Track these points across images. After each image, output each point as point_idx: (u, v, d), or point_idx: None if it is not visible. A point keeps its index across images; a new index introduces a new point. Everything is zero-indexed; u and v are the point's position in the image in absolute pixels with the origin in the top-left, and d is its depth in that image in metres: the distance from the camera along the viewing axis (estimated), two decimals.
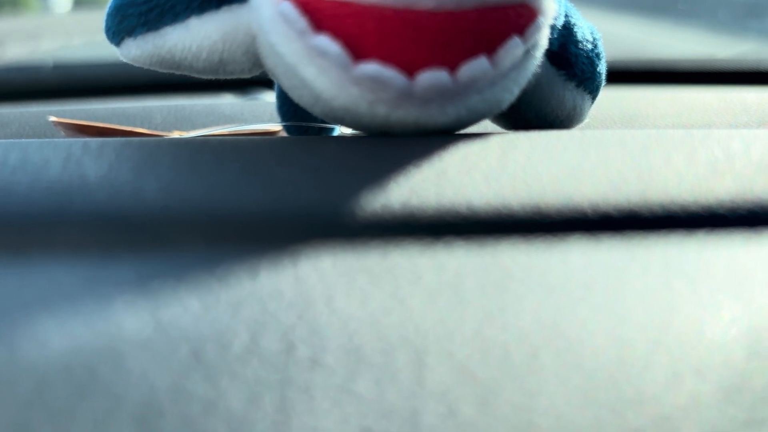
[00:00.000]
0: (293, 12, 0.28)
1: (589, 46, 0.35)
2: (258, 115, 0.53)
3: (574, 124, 0.36)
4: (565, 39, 0.34)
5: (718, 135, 0.28)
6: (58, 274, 0.20)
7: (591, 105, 0.36)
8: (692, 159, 0.25)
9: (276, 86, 0.40)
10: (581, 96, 0.35)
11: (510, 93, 0.30)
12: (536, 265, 0.20)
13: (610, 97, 0.53)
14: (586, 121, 0.37)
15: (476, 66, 0.28)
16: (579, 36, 0.34)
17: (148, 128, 0.49)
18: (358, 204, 0.23)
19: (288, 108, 0.39)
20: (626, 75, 0.74)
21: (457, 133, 0.30)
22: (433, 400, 0.15)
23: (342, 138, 0.30)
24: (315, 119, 0.38)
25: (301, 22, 0.28)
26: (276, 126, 0.44)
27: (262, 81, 0.65)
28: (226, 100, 0.71)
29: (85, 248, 0.22)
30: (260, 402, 0.15)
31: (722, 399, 0.15)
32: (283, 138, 0.31)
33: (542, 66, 0.32)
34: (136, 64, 0.33)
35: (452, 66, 0.27)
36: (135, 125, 0.49)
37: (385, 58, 0.27)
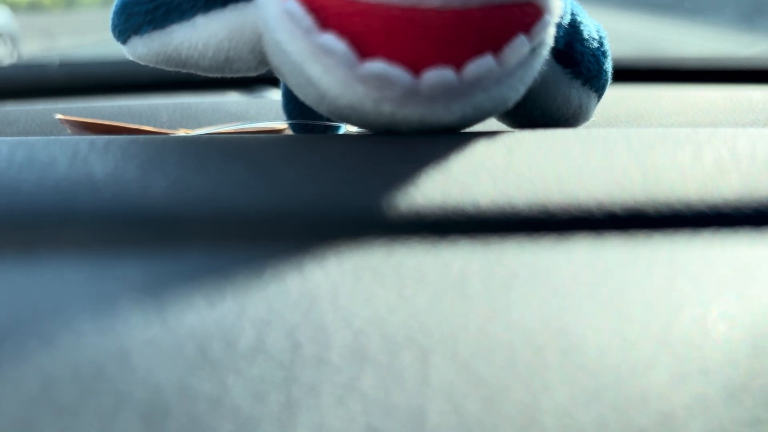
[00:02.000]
0: (299, 10, 0.28)
1: (595, 44, 0.35)
2: (264, 113, 0.53)
3: (579, 123, 0.36)
4: (571, 37, 0.34)
5: (724, 134, 0.27)
6: (64, 272, 0.20)
7: (597, 103, 0.36)
8: (698, 158, 0.25)
9: (282, 84, 0.40)
10: (587, 94, 0.35)
11: (516, 91, 0.30)
12: (541, 264, 0.20)
13: (616, 96, 0.53)
14: (592, 119, 0.37)
15: (482, 64, 0.28)
16: (585, 34, 0.34)
17: (155, 126, 0.49)
18: (363, 202, 0.23)
19: (294, 106, 0.39)
20: (632, 73, 0.74)
21: (462, 131, 0.30)
22: (438, 399, 0.15)
23: (347, 136, 0.30)
24: (320, 117, 0.38)
25: (307, 20, 0.28)
26: (281, 124, 0.44)
27: (267, 79, 0.66)
28: (232, 98, 0.71)
29: (92, 246, 0.22)
30: (266, 400, 0.15)
31: (727, 398, 0.15)
32: (288, 136, 0.31)
33: (548, 64, 0.32)
34: (143, 62, 0.33)
35: (458, 64, 0.27)
36: (141, 123, 0.49)
37: (391, 56, 0.27)
